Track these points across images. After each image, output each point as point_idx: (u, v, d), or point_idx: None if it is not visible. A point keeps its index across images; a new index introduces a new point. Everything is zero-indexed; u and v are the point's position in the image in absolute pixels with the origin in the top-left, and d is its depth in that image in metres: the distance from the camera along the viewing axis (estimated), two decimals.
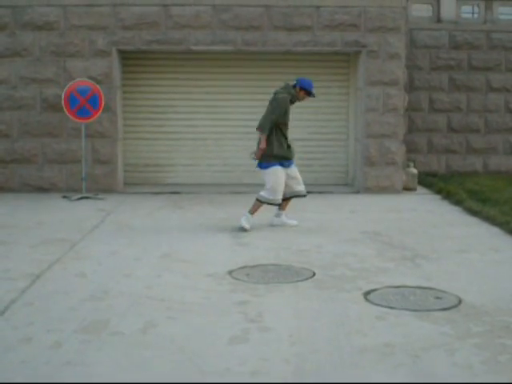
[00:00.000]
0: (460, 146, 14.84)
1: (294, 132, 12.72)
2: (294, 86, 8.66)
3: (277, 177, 8.49)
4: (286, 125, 8.58)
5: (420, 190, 12.59)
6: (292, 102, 8.66)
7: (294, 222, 8.79)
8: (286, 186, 8.59)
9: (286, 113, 8.52)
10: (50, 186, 12.02)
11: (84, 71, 11.79)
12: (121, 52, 12.17)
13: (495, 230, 8.73)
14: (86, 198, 11.29)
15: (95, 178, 11.95)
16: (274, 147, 8.47)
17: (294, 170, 8.69)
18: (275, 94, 8.68)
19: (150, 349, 4.40)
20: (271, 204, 8.57)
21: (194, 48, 12.06)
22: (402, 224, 9.20)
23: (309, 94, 8.69)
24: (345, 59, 12.88)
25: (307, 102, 12.56)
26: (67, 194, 11.54)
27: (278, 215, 8.83)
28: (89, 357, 4.26)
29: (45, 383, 3.91)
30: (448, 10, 14.60)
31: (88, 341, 4.53)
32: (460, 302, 5.46)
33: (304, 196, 8.86)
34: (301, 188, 8.75)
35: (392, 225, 9.10)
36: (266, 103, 12.72)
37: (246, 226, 8.42)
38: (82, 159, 11.61)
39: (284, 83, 8.87)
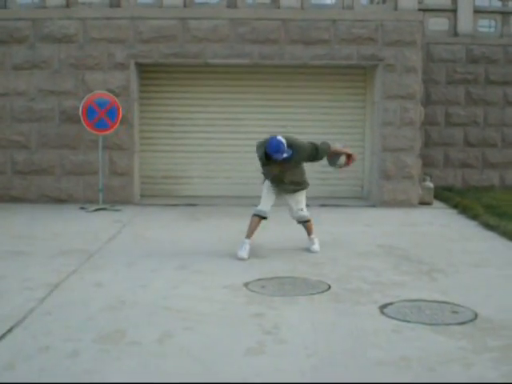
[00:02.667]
0: (476, 160, 14.80)
1: None
2: None
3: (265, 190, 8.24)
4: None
5: (436, 204, 12.56)
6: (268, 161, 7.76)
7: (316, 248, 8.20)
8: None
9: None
10: (68, 197, 12.11)
11: (102, 84, 11.90)
12: (139, 65, 12.27)
13: None
14: (103, 209, 11.37)
15: (112, 190, 12.03)
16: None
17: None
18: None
19: (166, 359, 4.43)
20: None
21: (211, 61, 12.14)
22: (418, 238, 9.18)
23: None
24: (361, 73, 12.91)
25: (322, 115, 12.72)
26: (84, 205, 11.62)
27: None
28: (106, 366, 4.29)
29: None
30: (465, 23, 14.62)
31: (106, 350, 4.56)
32: (476, 316, 5.44)
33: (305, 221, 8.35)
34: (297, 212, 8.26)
35: (408, 238, 9.08)
36: (283, 116, 12.89)
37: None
38: (99, 171, 11.70)
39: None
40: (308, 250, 8.14)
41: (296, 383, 4.09)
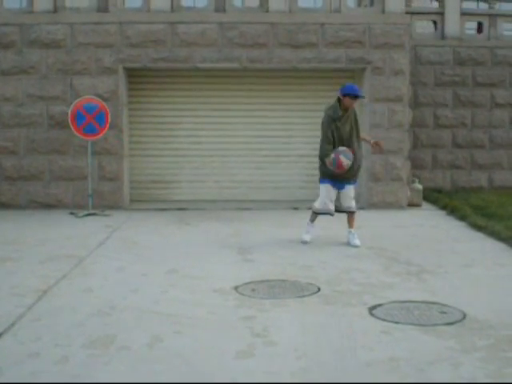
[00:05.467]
0: (465, 161, 14.87)
1: (298, 148, 12.88)
2: (339, 97, 8.51)
3: (324, 191, 8.72)
4: (339, 141, 8.55)
5: (425, 205, 12.61)
6: (339, 116, 8.48)
7: (357, 243, 8.64)
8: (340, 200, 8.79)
9: (332, 132, 8.53)
10: (57, 202, 12.08)
11: (91, 89, 11.89)
12: (127, 69, 12.27)
13: (500, 245, 8.75)
14: (93, 214, 11.35)
15: (101, 195, 12.01)
16: (322, 165, 8.73)
17: (347, 188, 8.72)
18: (323, 117, 8.73)
19: (157, 363, 4.43)
20: (322, 214, 8.82)
21: (200, 65, 12.15)
22: (408, 239, 9.22)
23: (354, 97, 8.45)
24: (350, 76, 12.94)
25: (311, 118, 12.68)
26: (74, 211, 11.60)
27: (348, 232, 8.86)
28: (96, 371, 4.29)
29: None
30: (452, 26, 14.69)
31: (95, 355, 4.56)
32: (465, 316, 5.47)
33: (352, 212, 8.82)
34: (348, 204, 8.76)
35: (397, 240, 9.12)
36: (272, 120, 12.94)
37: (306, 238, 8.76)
38: (89, 176, 11.68)
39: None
40: (299, 252, 8.18)
41: (286, 383, 4.11)
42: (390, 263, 7.61)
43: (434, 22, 14.87)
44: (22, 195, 12.11)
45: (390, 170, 12.27)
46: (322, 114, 12.95)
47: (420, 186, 12.67)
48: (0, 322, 5.30)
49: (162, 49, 11.99)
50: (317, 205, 8.78)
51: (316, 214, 8.84)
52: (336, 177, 8.57)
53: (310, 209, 9.00)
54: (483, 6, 15.55)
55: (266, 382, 4.13)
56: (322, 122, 8.64)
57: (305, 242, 8.64)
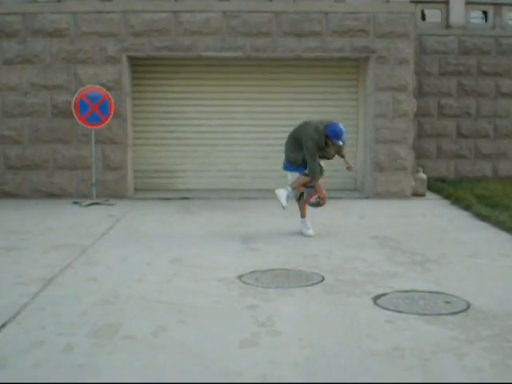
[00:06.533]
0: (469, 151, 14.82)
1: None
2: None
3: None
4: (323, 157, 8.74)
5: (429, 195, 12.59)
6: (323, 144, 8.40)
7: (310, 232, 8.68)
8: None
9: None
10: (61, 191, 12.09)
11: (94, 78, 11.87)
12: (131, 58, 12.24)
13: (505, 235, 8.73)
14: (97, 203, 11.35)
15: (105, 184, 12.02)
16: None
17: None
18: (306, 135, 8.36)
19: (161, 352, 4.44)
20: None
21: (203, 54, 12.12)
22: (412, 229, 9.21)
23: (332, 142, 8.36)
24: (354, 65, 12.91)
25: (315, 107, 12.62)
26: (78, 200, 11.60)
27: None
28: (100, 360, 4.30)
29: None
30: (457, 15, 14.60)
31: (100, 344, 4.57)
32: (469, 306, 5.47)
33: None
34: None
35: (401, 230, 9.11)
36: (276, 109, 12.86)
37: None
38: (93, 165, 11.68)
39: (317, 121, 8.54)
40: (303, 241, 8.19)
41: (291, 383, 4.11)
42: (394, 253, 7.61)
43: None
44: (26, 184, 12.11)
45: (394, 160, 12.25)
46: (324, 104, 12.99)
47: (424, 176, 12.65)
48: (4, 310, 5.31)
49: (166, 38, 11.95)
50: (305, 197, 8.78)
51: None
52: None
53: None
54: None
55: (270, 371, 4.13)
56: (308, 144, 8.31)
57: (310, 236, 8.59)
